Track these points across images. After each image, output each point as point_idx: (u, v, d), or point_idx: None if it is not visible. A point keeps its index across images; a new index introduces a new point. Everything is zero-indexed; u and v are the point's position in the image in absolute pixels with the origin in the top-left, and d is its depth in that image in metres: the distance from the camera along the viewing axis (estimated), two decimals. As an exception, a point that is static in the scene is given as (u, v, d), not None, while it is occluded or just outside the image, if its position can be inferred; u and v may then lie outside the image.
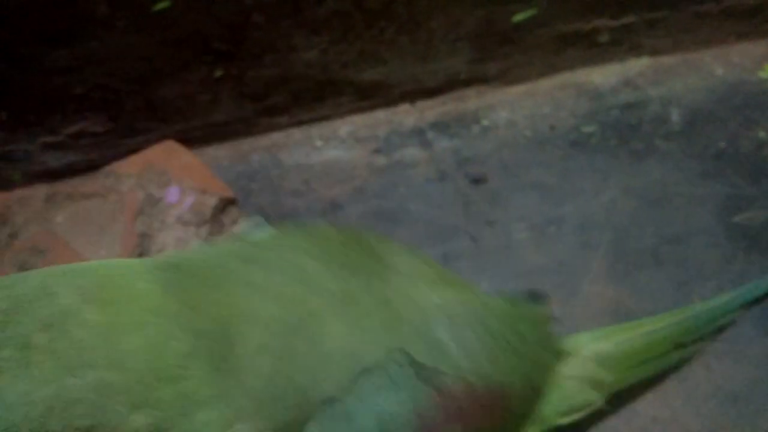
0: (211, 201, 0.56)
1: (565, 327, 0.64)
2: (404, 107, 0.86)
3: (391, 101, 0.85)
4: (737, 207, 0.75)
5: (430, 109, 0.86)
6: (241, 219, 0.61)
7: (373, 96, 0.83)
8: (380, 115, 0.85)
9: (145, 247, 0.50)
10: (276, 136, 0.79)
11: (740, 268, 0.69)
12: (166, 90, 0.70)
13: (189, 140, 0.76)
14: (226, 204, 0.58)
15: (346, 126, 0.83)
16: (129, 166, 0.54)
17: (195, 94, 0.71)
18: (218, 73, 0.71)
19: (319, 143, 0.81)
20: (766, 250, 0.70)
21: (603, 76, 0.91)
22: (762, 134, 0.84)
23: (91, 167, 0.67)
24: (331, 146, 0.80)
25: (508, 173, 0.79)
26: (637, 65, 0.93)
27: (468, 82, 0.87)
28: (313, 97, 0.79)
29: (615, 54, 0.92)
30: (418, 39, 0.79)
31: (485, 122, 0.85)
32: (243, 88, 0.73)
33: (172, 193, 0.54)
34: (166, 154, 0.57)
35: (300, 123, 0.80)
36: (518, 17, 0.81)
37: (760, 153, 0.82)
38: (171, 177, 0.56)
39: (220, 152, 0.77)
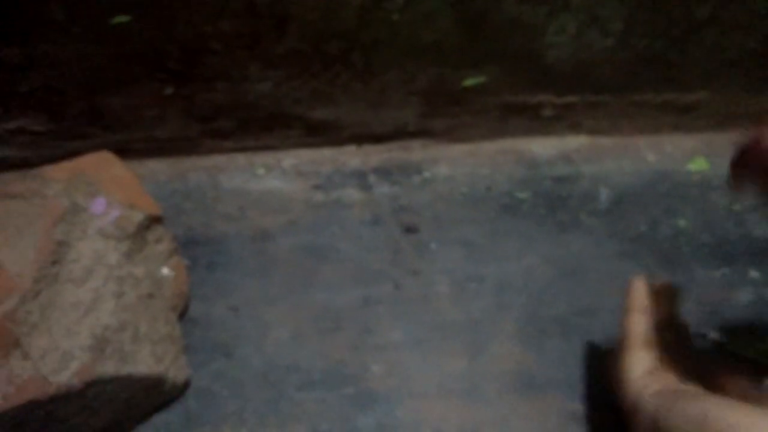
0: (137, 217, 0.56)
1: (467, 383, 0.67)
2: (350, 149, 0.88)
3: (338, 141, 0.87)
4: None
5: (375, 154, 0.89)
6: (166, 238, 0.62)
7: (321, 133, 0.85)
8: (326, 152, 0.87)
9: (61, 255, 0.50)
10: (218, 159, 0.80)
11: (640, 346, 0.72)
12: (114, 100, 0.70)
13: (130, 151, 0.76)
14: (151, 222, 0.59)
15: (290, 158, 0.85)
16: (59, 172, 0.55)
17: (142, 107, 0.72)
18: (168, 91, 0.72)
19: (260, 171, 0.82)
20: (665, 332, 0.74)
21: (542, 147, 0.96)
22: (681, 223, 0.90)
23: (25, 165, 0.67)
24: (272, 176, 0.82)
25: (440, 226, 0.82)
26: (575, 141, 0.99)
27: (415, 134, 0.91)
28: (261, 126, 0.81)
29: (556, 128, 0.97)
30: (372, 88, 0.82)
31: (426, 174, 0.89)
32: (191, 108, 0.74)
33: (99, 204, 0.55)
34: (99, 164, 0.58)
35: (244, 149, 0.82)
36: (468, 82, 0.86)
37: (676, 241, 0.87)
38: (100, 188, 0.56)
39: (160, 167, 0.78)
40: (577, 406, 0.66)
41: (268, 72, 0.74)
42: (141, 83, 0.70)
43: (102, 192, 0.57)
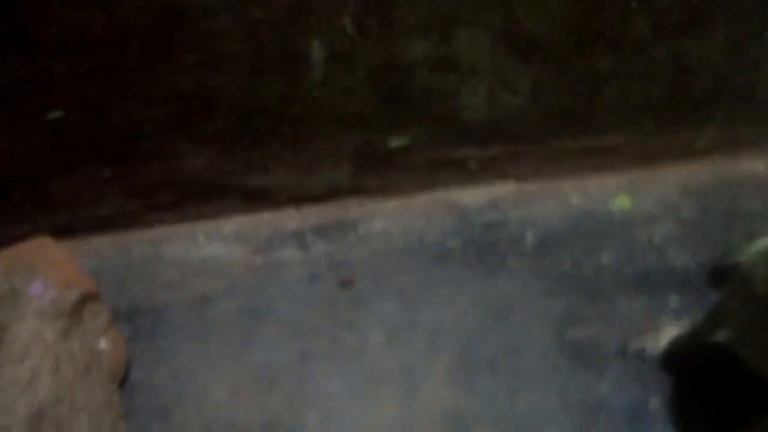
0: (72, 296, 0.61)
1: (399, 428, 0.71)
2: (289, 211, 0.94)
3: (276, 204, 0.93)
4: (571, 324, 0.85)
5: (313, 215, 0.94)
6: (103, 313, 0.66)
7: (259, 199, 0.91)
8: (265, 216, 0.92)
9: (1, 337, 0.54)
10: (160, 231, 0.85)
11: (565, 379, 0.77)
12: (55, 185, 0.76)
13: (74, 231, 0.81)
14: (87, 299, 0.63)
15: (230, 225, 0.90)
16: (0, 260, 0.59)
17: (82, 189, 0.77)
18: (107, 173, 0.77)
19: (201, 240, 0.87)
20: (588, 363, 0.79)
21: (472, 196, 1.02)
22: (604, 259, 0.96)
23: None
24: (212, 243, 0.87)
25: (375, 279, 0.87)
26: (503, 189, 1.05)
27: (350, 193, 0.97)
28: (200, 198, 0.86)
29: (483, 178, 1.04)
30: (303, 155, 0.88)
31: (362, 230, 0.94)
32: (130, 186, 0.79)
33: (36, 287, 0.59)
34: (37, 249, 0.62)
35: (185, 219, 0.87)
36: (394, 144, 0.92)
37: (599, 276, 0.93)
38: (38, 271, 0.60)
39: (103, 243, 0.82)
40: (504, 441, 0.70)
41: (200, 149, 0.80)
42: (80, 169, 0.76)
43: (39, 275, 0.62)
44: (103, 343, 0.63)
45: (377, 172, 0.96)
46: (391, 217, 0.97)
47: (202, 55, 0.71)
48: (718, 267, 0.75)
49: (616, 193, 1.08)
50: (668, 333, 0.80)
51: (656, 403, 0.75)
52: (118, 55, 0.68)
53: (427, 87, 0.86)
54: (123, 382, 0.66)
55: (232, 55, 0.72)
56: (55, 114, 0.68)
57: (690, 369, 0.79)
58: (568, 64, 0.91)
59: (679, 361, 0.81)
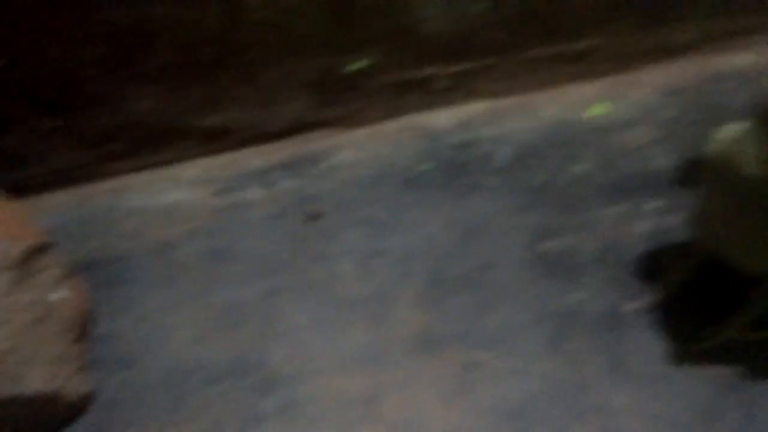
0: (17, 248, 0.59)
1: (370, 353, 0.70)
2: (251, 150, 0.91)
3: (237, 144, 0.90)
4: (545, 236, 0.83)
5: (277, 152, 0.92)
6: (54, 265, 0.65)
7: (218, 140, 0.88)
8: (228, 157, 0.90)
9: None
10: (118, 181, 0.83)
11: (538, 290, 0.76)
12: (3, 141, 0.73)
13: (29, 187, 0.79)
14: (35, 251, 0.62)
15: (191, 169, 0.87)
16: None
17: (30, 144, 0.75)
18: (52, 124, 0.75)
19: (161, 186, 0.85)
20: (561, 274, 0.78)
21: (441, 118, 0.99)
22: (578, 169, 0.93)
23: None
24: (173, 189, 0.85)
25: (344, 210, 0.85)
26: (473, 108, 1.01)
27: (313, 125, 0.94)
28: (155, 143, 0.83)
29: (453, 98, 1.00)
30: (257, 87, 0.85)
31: (329, 162, 0.92)
32: (79, 137, 0.77)
33: (-21, 241, 0.58)
34: (-18, 205, 0.61)
35: (143, 167, 0.84)
36: (353, 67, 0.88)
37: (573, 186, 0.90)
38: (-18, 225, 0.59)
39: (61, 198, 0.81)
40: (476, 355, 0.69)
41: (145, 89, 0.77)
42: (24, 121, 0.73)
43: (-16, 230, 0.60)
44: (56, 295, 0.62)
45: (339, 100, 0.92)
46: (359, 147, 0.94)
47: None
48: (687, 163, 0.72)
49: (593, 102, 1.04)
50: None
51: (630, 306, 0.73)
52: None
53: (380, 0, 0.81)
54: (86, 333, 0.65)
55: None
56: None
57: (665, 271, 0.77)
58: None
59: (654, 264, 0.79)
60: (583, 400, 0.66)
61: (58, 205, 0.80)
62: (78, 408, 0.60)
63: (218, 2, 0.71)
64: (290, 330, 0.70)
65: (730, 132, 0.60)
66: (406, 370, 0.67)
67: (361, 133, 0.95)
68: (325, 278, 0.77)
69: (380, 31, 0.83)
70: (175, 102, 0.80)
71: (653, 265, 0.79)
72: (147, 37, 0.72)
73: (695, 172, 0.70)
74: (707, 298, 0.73)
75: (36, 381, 0.55)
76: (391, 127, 0.97)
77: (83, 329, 0.65)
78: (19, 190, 0.76)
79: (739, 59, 1.11)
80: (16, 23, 0.65)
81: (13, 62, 0.67)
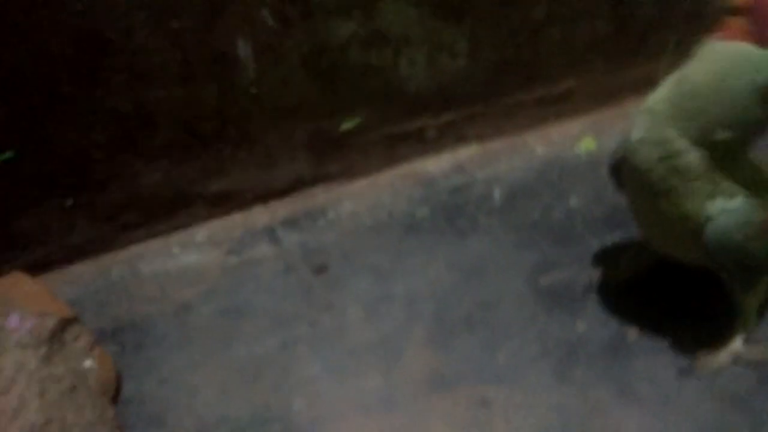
0: (50, 323, 0.64)
1: (384, 396, 0.73)
2: (258, 209, 0.96)
3: (244, 204, 0.95)
4: (544, 271, 0.86)
5: (281, 208, 0.96)
6: (84, 334, 0.69)
7: (225, 203, 0.93)
8: (236, 218, 0.95)
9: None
10: (134, 249, 0.88)
11: (542, 324, 0.79)
12: (22, 223, 0.78)
13: (50, 264, 0.84)
14: (66, 323, 0.66)
15: (203, 231, 0.92)
16: (-23, 302, 0.62)
17: (50, 222, 0.80)
18: (69, 203, 0.80)
19: (176, 250, 0.90)
20: (564, 306, 0.81)
21: (436, 164, 1.04)
22: (572, 203, 0.97)
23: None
24: (187, 252, 0.89)
25: (348, 260, 0.89)
26: (466, 152, 1.06)
27: (314, 181, 0.99)
28: (166, 211, 0.88)
29: (445, 144, 1.05)
30: (257, 152, 0.90)
31: (331, 215, 0.96)
32: (95, 212, 0.82)
33: (13, 320, 0.62)
34: (10, 285, 0.66)
35: (157, 234, 0.89)
36: (345, 126, 0.94)
37: (569, 220, 0.94)
38: (14, 305, 0.63)
39: (82, 270, 0.85)
40: (486, 391, 0.72)
41: (153, 164, 0.82)
42: (41, 203, 0.78)
43: (15, 308, 0.65)
44: (87, 363, 0.66)
45: (336, 156, 0.98)
46: (358, 198, 0.98)
47: (132, 73, 0.73)
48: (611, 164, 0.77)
49: (580, 137, 1.09)
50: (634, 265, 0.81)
51: (633, 333, 0.76)
52: (51, 88, 0.70)
53: (363, 65, 0.87)
54: (116, 397, 0.69)
55: (161, 68, 0.74)
56: (6, 155, 0.71)
57: (658, 290, 0.80)
58: (501, 17, 0.92)
59: (653, 288, 0.82)
60: (593, 427, 0.68)
61: (78, 277, 0.84)
62: (111, 470, 0.63)
63: (214, 82, 0.77)
64: (307, 379, 0.74)
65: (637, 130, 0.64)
66: (420, 411, 0.70)
67: (359, 185, 1.00)
68: (335, 327, 0.80)
69: (366, 92, 0.89)
70: (181, 173, 0.85)
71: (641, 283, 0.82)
72: (147, 118, 0.78)
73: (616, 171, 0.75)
74: (694, 302, 0.76)
75: (73, 447, 0.58)
76: (387, 176, 1.01)
77: (113, 394, 0.68)
78: (41, 266, 0.81)
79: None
80: (30, 114, 0.71)
81: (28, 149, 0.73)
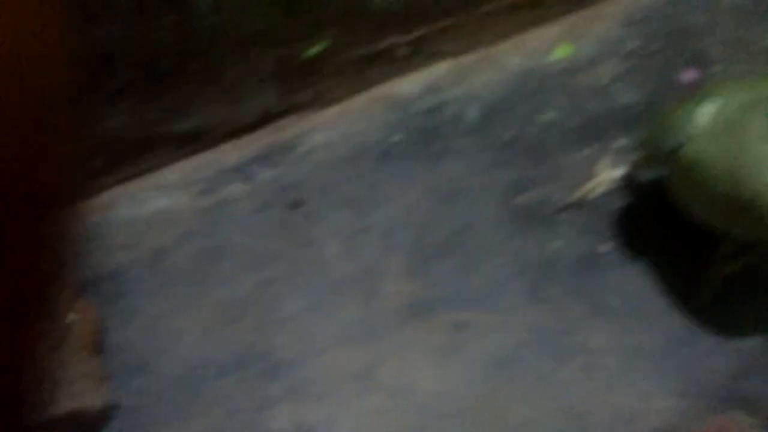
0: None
1: (365, 327, 0.75)
2: (228, 146, 0.94)
3: (213, 142, 0.93)
4: (519, 190, 0.86)
5: (252, 144, 0.94)
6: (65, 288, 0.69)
7: (193, 142, 0.91)
8: (206, 156, 0.93)
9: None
10: (105, 197, 0.87)
11: (517, 244, 0.80)
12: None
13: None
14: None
15: (172, 174, 0.91)
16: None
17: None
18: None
19: (147, 195, 0.88)
20: (539, 224, 0.81)
21: (408, 85, 1.01)
22: (549, 116, 0.95)
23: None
24: (158, 196, 0.88)
25: (324, 193, 0.89)
26: (439, 70, 1.03)
27: (283, 113, 0.96)
28: (132, 155, 0.86)
29: (417, 63, 1.02)
30: (222, 86, 0.87)
31: (303, 147, 0.94)
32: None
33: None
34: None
35: (126, 179, 0.88)
36: (312, 51, 0.90)
37: (544, 135, 0.93)
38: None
39: (54, 222, 0.84)
40: (463, 315, 0.74)
41: (114, 108, 0.80)
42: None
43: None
44: (71, 317, 0.66)
45: (304, 85, 0.94)
46: (331, 127, 0.96)
47: (82, 9, 0.69)
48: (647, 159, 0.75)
49: (556, 45, 1.05)
50: (607, 176, 0.81)
51: (606, 248, 0.77)
52: None
53: (324, -14, 0.82)
54: (100, 348, 0.70)
55: (110, 4, 0.70)
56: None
57: (635, 209, 0.80)
58: None
59: (625, 202, 0.82)
60: (565, 343, 0.70)
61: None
62: (102, 418, 0.66)
63: (168, 15, 0.73)
64: (288, 317, 0.75)
65: (703, 115, 0.61)
66: (400, 339, 0.72)
67: (330, 113, 0.97)
68: (314, 262, 0.81)
69: (331, 14, 0.85)
70: (144, 114, 0.83)
71: (623, 204, 0.82)
72: (103, 60, 0.74)
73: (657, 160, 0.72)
74: (678, 233, 0.76)
75: (64, 401, 0.60)
76: (359, 102, 0.99)
77: (98, 345, 0.70)
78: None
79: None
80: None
81: None
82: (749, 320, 0.69)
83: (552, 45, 1.05)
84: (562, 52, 1.04)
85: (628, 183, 0.81)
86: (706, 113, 0.59)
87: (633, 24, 1.05)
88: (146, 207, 0.86)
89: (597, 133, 0.90)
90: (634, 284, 0.73)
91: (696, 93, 0.65)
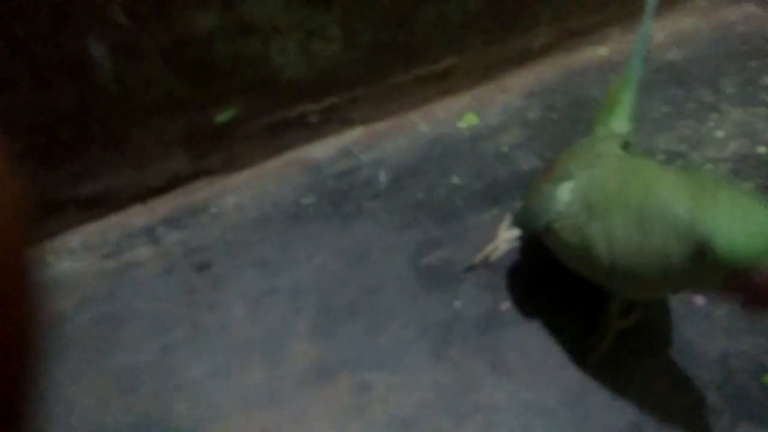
0: None
1: (267, 391, 0.74)
2: (135, 209, 0.93)
3: (120, 205, 0.92)
4: (426, 251, 0.88)
5: (161, 207, 0.94)
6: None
7: (99, 205, 0.90)
8: (112, 220, 0.92)
9: None
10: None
11: (422, 305, 0.82)
12: None
13: None
14: None
15: (77, 237, 0.89)
16: None
17: None
18: None
19: (49, 259, 0.86)
20: (444, 283, 0.84)
21: (322, 149, 1.04)
22: (455, 180, 0.99)
23: None
24: (61, 260, 0.86)
25: (232, 255, 0.88)
26: (352, 135, 1.07)
27: (194, 177, 0.96)
28: (36, 219, 0.84)
29: (330, 129, 1.05)
30: (128, 152, 0.87)
31: (214, 210, 0.95)
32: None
33: None
34: None
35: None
36: (221, 118, 0.92)
37: (451, 198, 0.96)
38: None
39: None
40: (367, 377, 0.74)
41: (16, 171, 0.78)
42: None
43: None
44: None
45: (216, 149, 0.96)
46: (242, 190, 0.97)
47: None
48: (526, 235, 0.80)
49: (462, 113, 1.11)
50: (508, 236, 0.84)
51: (506, 306, 0.80)
52: None
53: (232, 56, 0.85)
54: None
55: (10, 77, 0.70)
56: None
57: (533, 267, 0.84)
58: (370, 1, 0.92)
59: (524, 260, 0.86)
60: (466, 401, 0.71)
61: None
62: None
63: (71, 85, 0.74)
64: (188, 382, 0.73)
65: (562, 197, 0.66)
66: (302, 402, 0.71)
67: (243, 177, 0.99)
68: (218, 325, 0.80)
69: (238, 83, 0.87)
70: (47, 179, 0.81)
71: (519, 263, 0.86)
72: (4, 126, 0.74)
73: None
74: (573, 287, 0.80)
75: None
76: (272, 165, 1.01)
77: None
78: None
79: (598, 51, 1.21)
80: None
81: None
82: (641, 376, 0.73)
83: (459, 114, 1.11)
84: (468, 121, 1.10)
85: (525, 242, 0.85)
86: (563, 193, 0.63)
87: (533, 96, 1.13)
88: (50, 271, 0.84)
89: (500, 196, 0.95)
90: (533, 341, 0.76)
91: (553, 169, 0.70)
